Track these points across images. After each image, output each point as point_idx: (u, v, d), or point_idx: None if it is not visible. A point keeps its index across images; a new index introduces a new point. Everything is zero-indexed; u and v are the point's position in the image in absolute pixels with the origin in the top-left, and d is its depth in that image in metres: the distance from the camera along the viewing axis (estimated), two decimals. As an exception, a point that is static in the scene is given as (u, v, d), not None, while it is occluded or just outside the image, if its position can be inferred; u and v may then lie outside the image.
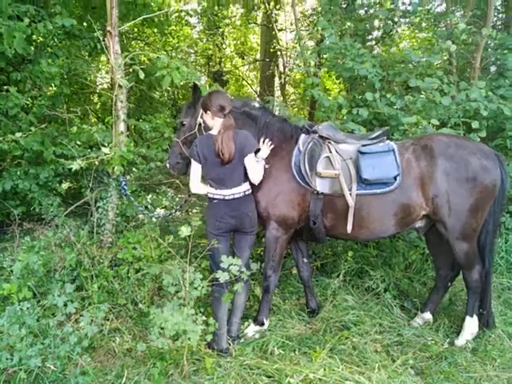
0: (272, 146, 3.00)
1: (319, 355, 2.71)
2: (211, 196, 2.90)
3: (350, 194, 2.85)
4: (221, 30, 12.93)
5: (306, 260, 3.38)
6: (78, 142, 5.11)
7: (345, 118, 4.72)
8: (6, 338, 2.09)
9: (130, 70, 3.73)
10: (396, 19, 5.03)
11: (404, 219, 2.96)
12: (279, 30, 9.04)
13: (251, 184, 2.93)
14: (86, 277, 3.48)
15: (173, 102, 8.75)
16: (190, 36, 12.88)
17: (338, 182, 2.90)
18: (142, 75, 3.49)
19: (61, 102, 5.42)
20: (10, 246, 4.04)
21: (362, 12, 5.39)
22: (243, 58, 14.32)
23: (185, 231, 2.35)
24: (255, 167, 2.86)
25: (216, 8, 11.47)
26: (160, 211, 4.64)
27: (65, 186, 5.36)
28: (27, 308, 2.20)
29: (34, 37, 5.11)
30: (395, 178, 2.85)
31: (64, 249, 3.53)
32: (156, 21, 7.20)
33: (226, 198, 2.84)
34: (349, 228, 2.87)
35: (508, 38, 4.87)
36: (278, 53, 12.17)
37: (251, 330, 3.13)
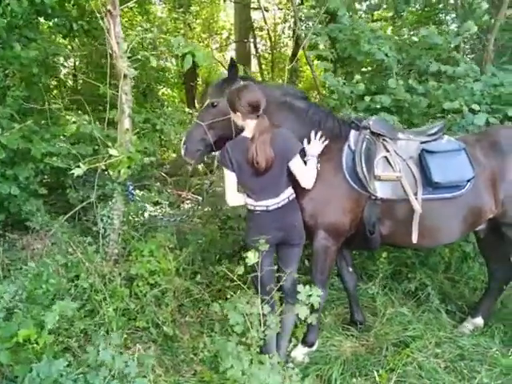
0: (325, 142, 2.62)
1: (386, 381, 2.43)
2: (251, 208, 2.48)
3: (416, 199, 2.53)
4: (192, 8, 12.18)
5: (350, 269, 3.06)
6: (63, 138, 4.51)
7: (357, 105, 4.40)
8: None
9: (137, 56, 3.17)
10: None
11: (473, 224, 2.70)
12: (266, 10, 8.47)
13: (295, 189, 2.56)
14: (99, 300, 3.00)
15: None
16: (155, 15, 11.98)
17: (399, 186, 2.57)
18: (154, 63, 2.97)
19: (38, 92, 4.73)
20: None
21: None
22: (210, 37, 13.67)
23: (252, 258, 1.95)
24: (304, 171, 2.47)
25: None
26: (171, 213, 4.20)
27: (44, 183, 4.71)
28: (64, 367, 1.72)
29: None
30: (469, 181, 2.56)
31: (72, 268, 3.03)
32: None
33: (270, 208, 2.44)
34: (414, 237, 2.56)
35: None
36: (259, 32, 11.63)
37: (300, 352, 2.78)
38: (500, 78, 3.86)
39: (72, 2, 5.31)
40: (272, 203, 2.43)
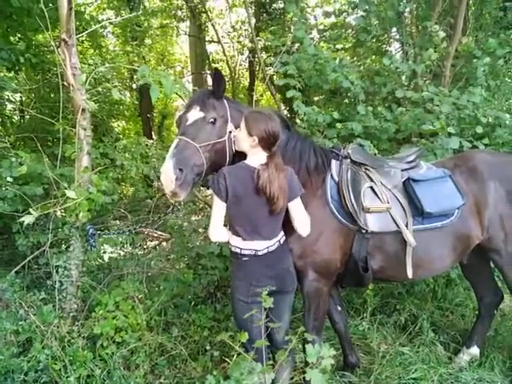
0: None
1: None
2: (237, 251, 2.15)
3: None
4: (146, 41, 12.11)
5: (339, 308, 2.83)
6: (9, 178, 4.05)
7: (325, 133, 4.33)
8: None
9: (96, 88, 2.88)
10: (370, 28, 4.76)
11: (463, 252, 2.59)
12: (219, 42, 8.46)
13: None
14: (58, 369, 2.56)
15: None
16: (108, 48, 11.74)
17: (389, 218, 2.41)
18: (116, 95, 2.70)
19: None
20: None
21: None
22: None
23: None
24: (303, 215, 2.20)
25: (142, 18, 10.71)
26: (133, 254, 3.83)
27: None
28: None
29: None
30: (458, 208, 2.46)
31: (25, 333, 2.59)
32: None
33: (259, 253, 2.13)
34: (409, 271, 2.39)
35: (477, 45, 4.86)
36: (214, 65, 11.64)
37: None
38: (462, 100, 3.92)
39: (18, 35, 4.96)
40: (262, 247, 2.13)
